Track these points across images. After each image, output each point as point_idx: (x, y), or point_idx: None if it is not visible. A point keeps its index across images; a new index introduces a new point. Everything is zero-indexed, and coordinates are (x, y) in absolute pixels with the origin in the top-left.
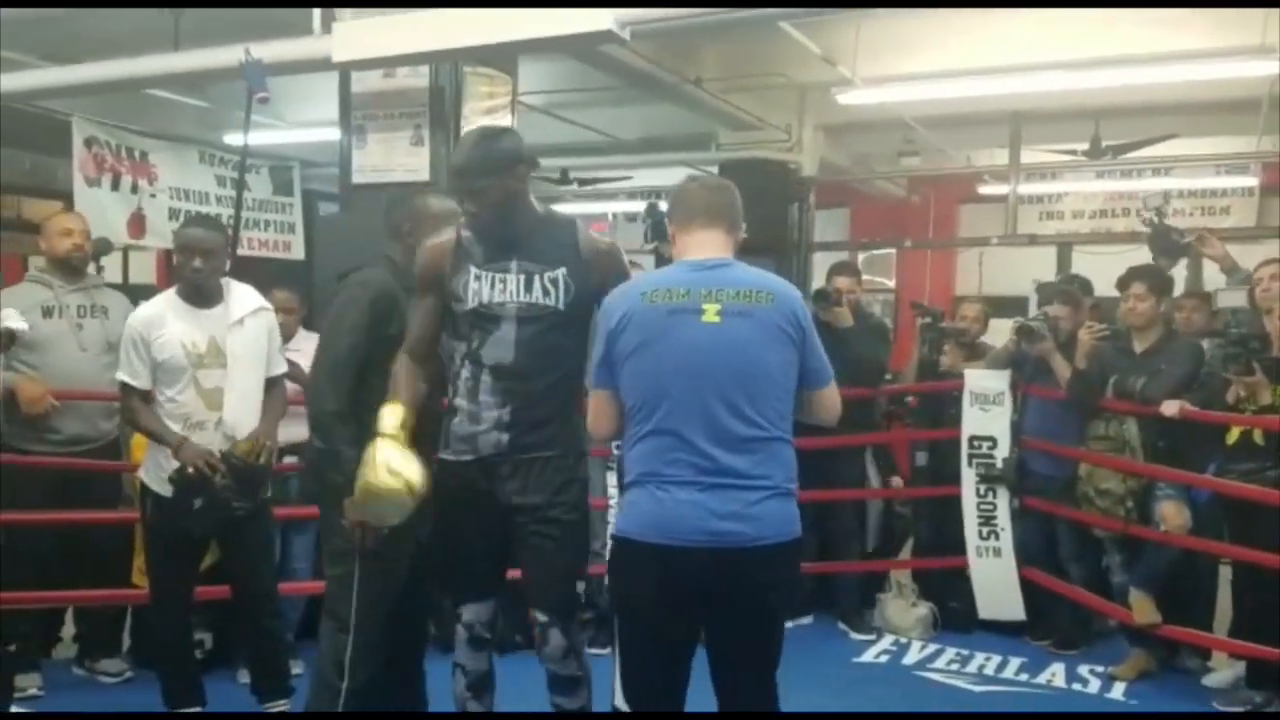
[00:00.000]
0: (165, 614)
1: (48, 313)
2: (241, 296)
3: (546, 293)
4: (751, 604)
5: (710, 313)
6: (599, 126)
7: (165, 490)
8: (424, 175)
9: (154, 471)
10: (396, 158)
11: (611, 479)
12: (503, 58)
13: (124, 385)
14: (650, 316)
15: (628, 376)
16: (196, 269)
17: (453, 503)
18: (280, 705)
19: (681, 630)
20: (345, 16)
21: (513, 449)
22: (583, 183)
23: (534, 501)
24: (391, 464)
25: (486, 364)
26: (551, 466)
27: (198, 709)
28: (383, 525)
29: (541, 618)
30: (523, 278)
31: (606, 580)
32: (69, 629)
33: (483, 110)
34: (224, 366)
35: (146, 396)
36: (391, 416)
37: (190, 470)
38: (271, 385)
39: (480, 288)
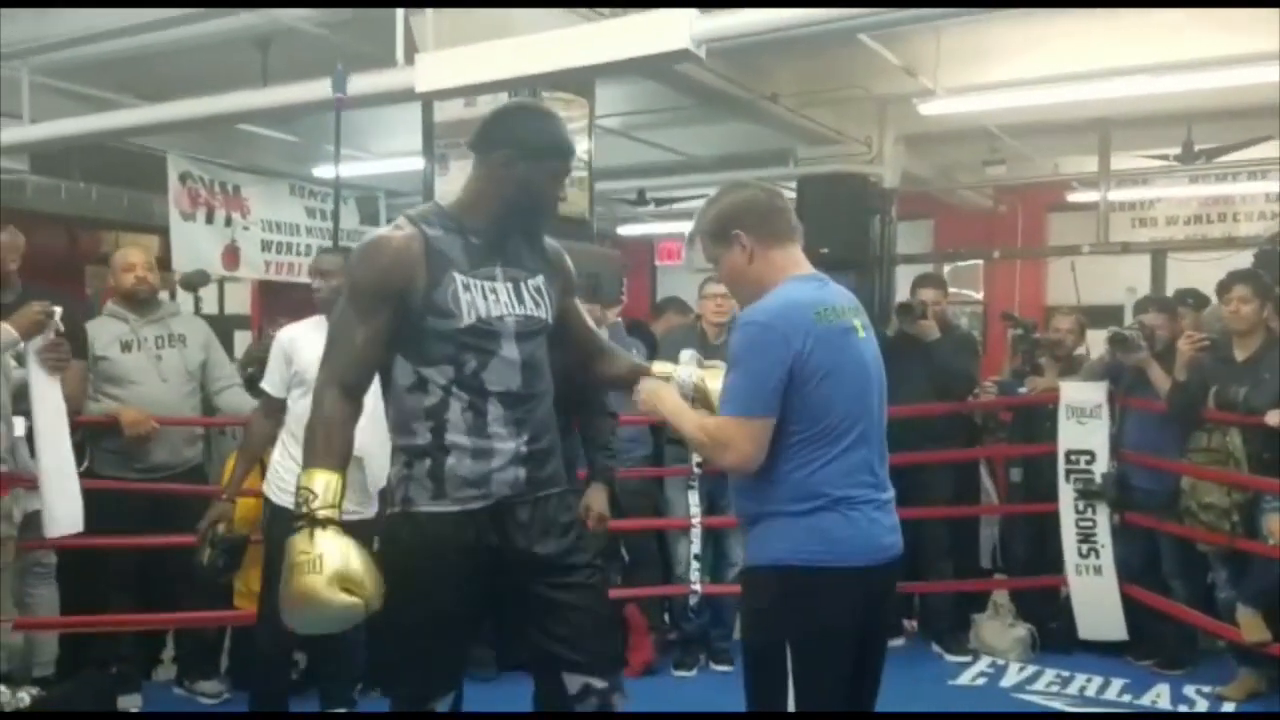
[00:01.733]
0: (278, 629)
1: (126, 347)
2: None
3: (536, 303)
4: (887, 617)
5: (859, 329)
6: (674, 146)
7: (287, 501)
8: None
9: (275, 482)
10: None
11: (694, 499)
12: (580, 81)
13: (261, 394)
14: (830, 336)
15: (819, 399)
16: (316, 289)
17: (446, 570)
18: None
19: (862, 652)
20: (427, 45)
21: (530, 485)
22: (659, 203)
23: (552, 550)
24: (348, 571)
25: (492, 391)
26: (563, 504)
27: None
28: (309, 632)
29: (596, 684)
30: (510, 285)
31: (750, 611)
32: (170, 650)
33: None
34: None
35: (277, 406)
36: (327, 490)
37: None
38: None
39: (474, 299)
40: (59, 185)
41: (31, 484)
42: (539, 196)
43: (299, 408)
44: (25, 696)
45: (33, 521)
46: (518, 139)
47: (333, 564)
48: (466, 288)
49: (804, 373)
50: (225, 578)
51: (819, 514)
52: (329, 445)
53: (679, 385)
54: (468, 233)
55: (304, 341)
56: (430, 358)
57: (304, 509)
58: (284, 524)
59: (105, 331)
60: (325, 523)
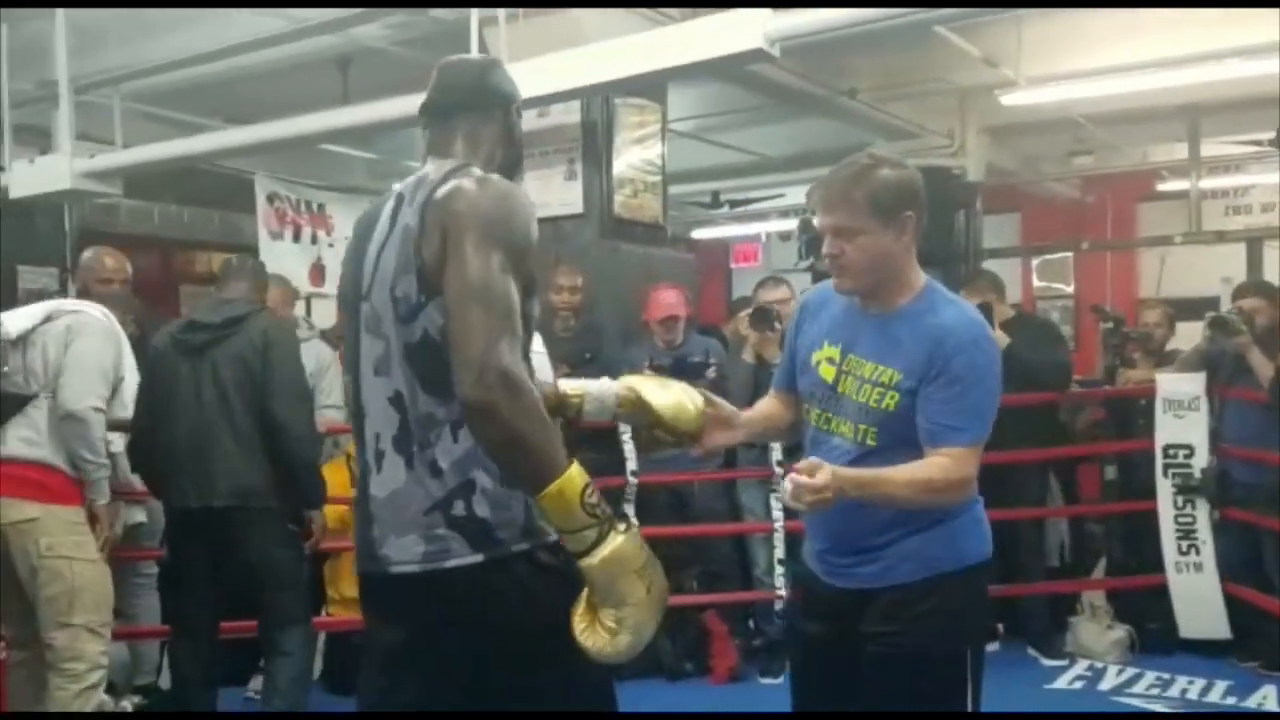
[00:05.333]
0: None
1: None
2: None
3: None
4: None
5: None
6: (748, 146)
7: None
8: (578, 208)
9: None
10: (552, 193)
11: (775, 501)
12: (653, 86)
13: None
14: None
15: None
16: None
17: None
18: None
19: None
20: (501, 58)
21: None
22: (734, 204)
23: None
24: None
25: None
26: None
27: None
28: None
29: None
30: None
31: (940, 615)
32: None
33: (633, 140)
34: None
35: None
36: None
37: None
38: None
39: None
40: (152, 208)
41: (133, 495)
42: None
43: None
44: (128, 705)
45: (133, 534)
46: (514, 87)
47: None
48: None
49: None
50: None
51: (977, 506)
52: (554, 432)
53: (598, 401)
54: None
55: None
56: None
57: (598, 511)
58: None
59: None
60: (620, 519)
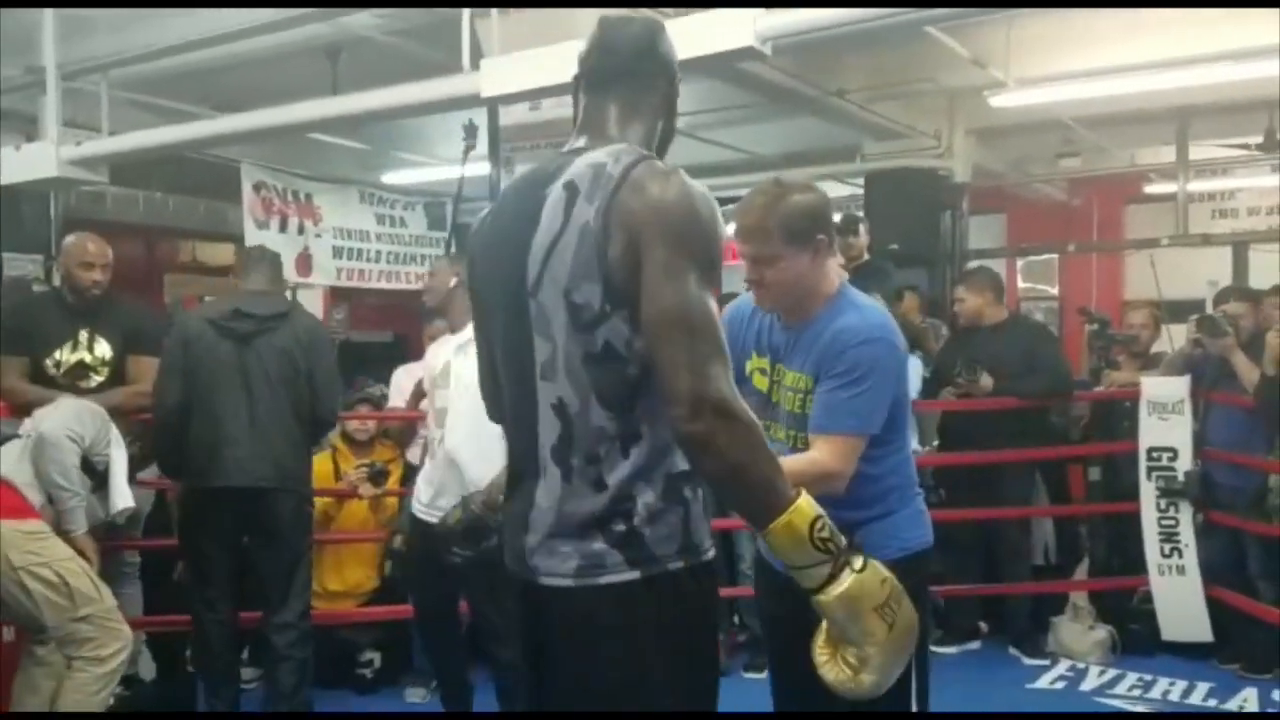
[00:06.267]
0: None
1: None
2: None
3: None
4: None
5: None
6: (739, 144)
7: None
8: None
9: (420, 498)
10: None
11: None
12: None
13: None
14: None
15: (904, 400)
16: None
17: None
18: None
19: None
20: (493, 51)
21: None
22: (724, 202)
23: None
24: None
25: None
26: None
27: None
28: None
29: None
30: None
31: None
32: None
33: None
34: (448, 388)
35: None
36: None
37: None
38: None
39: None
40: (137, 196)
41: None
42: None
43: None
44: (110, 697)
45: (114, 523)
46: (676, 56)
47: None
48: None
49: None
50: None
51: (919, 499)
52: (776, 463)
53: None
54: None
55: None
56: None
57: (831, 545)
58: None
59: None
60: (855, 551)
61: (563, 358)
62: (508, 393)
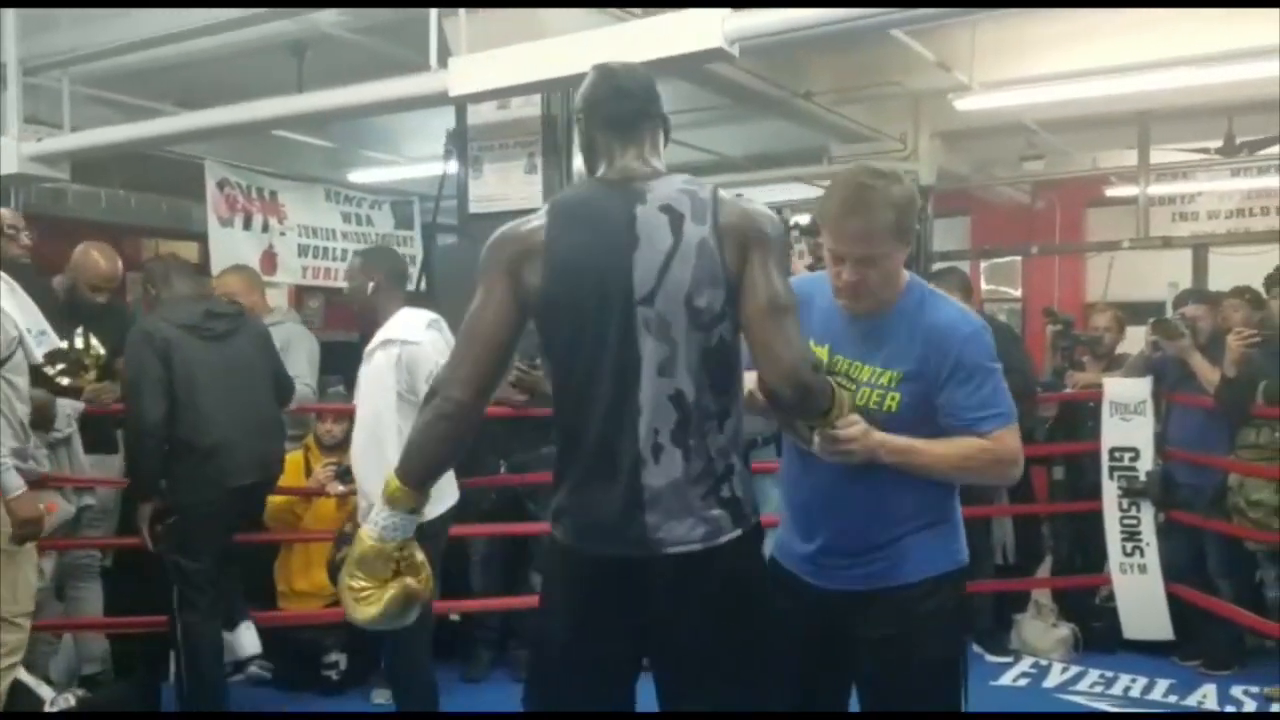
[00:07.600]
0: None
1: None
2: (386, 329)
3: None
4: None
5: None
6: (707, 145)
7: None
8: (538, 203)
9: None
10: (511, 186)
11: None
12: None
13: None
14: None
15: None
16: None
17: None
18: None
19: None
20: (460, 49)
21: None
22: None
23: None
24: None
25: None
26: None
27: None
28: None
29: None
30: None
31: (936, 618)
32: None
33: None
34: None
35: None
36: None
37: None
38: None
39: None
40: (99, 193)
41: (78, 483)
42: None
43: None
44: (70, 698)
45: (79, 519)
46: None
47: None
48: None
49: None
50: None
51: (960, 510)
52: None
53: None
54: None
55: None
56: None
57: (838, 380)
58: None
59: None
60: None
61: (683, 355)
62: (601, 390)
